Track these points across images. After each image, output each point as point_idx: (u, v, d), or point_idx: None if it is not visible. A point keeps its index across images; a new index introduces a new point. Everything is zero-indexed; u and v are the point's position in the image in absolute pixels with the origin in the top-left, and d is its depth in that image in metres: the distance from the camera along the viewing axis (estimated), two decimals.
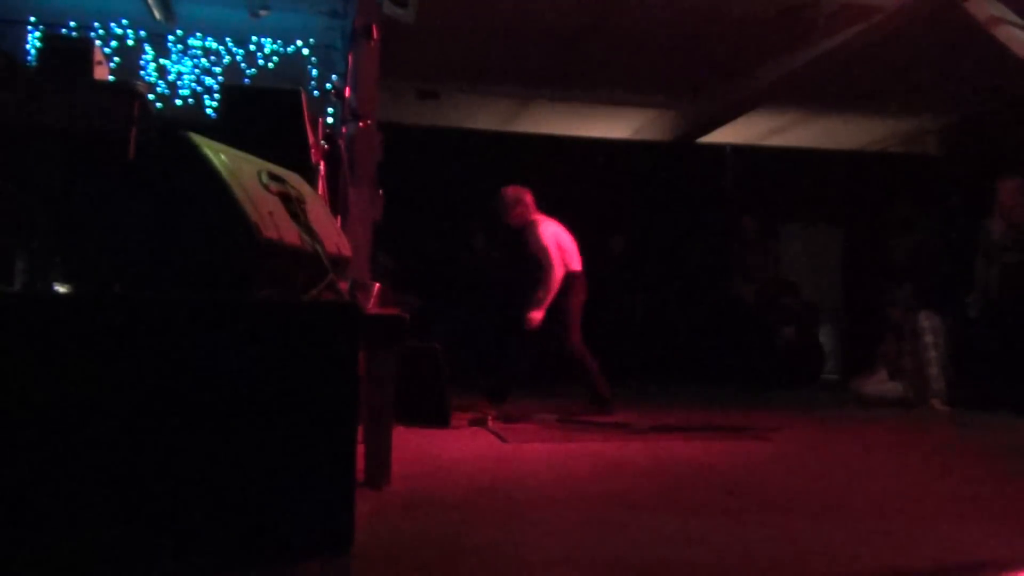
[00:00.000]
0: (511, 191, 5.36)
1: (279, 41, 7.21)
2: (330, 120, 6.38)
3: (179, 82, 7.11)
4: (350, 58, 4.54)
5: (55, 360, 1.84)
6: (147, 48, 7.09)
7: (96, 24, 6.94)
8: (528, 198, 5.32)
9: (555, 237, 5.21)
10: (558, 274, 4.95)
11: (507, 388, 5.36)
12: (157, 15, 6.81)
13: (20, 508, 1.80)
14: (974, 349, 6.26)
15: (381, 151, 5.70)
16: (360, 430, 2.36)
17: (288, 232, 2.20)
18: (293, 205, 2.30)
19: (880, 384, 6.65)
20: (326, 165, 3.78)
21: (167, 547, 1.86)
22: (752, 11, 6.75)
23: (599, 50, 7.63)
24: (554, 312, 5.09)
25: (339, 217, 3.93)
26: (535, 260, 5.05)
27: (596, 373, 5.17)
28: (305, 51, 7.25)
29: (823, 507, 2.74)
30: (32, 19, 6.79)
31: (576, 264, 5.33)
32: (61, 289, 2.34)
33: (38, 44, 6.47)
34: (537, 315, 4.95)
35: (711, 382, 8.10)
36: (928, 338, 6.33)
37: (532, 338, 5.08)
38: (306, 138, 3.45)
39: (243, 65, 7.19)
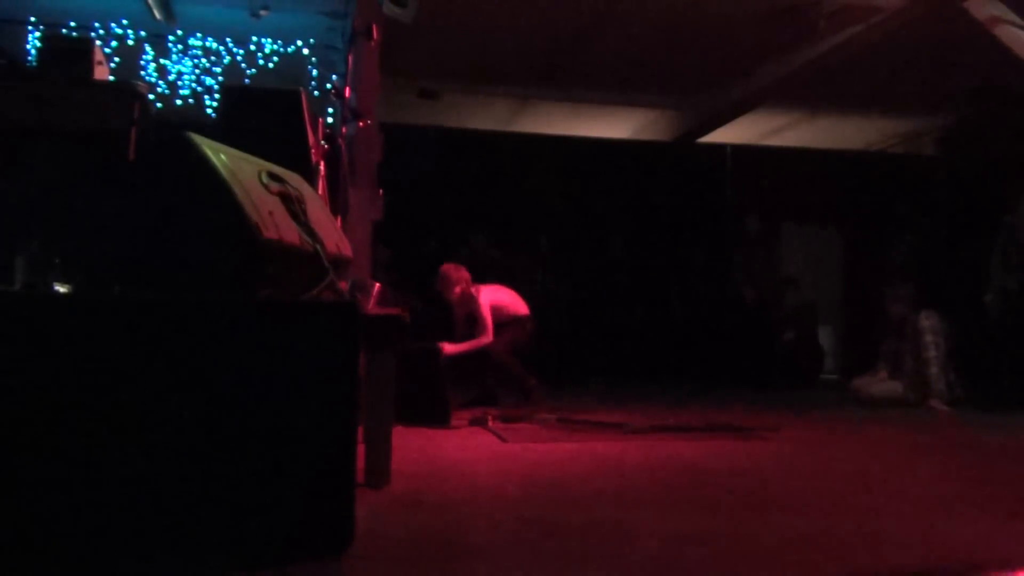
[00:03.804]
0: (453, 269, 5.75)
1: (279, 41, 7.21)
2: (330, 120, 6.38)
3: (179, 82, 7.11)
4: (350, 58, 4.53)
5: (55, 360, 1.84)
6: (147, 48, 7.09)
7: (96, 24, 6.94)
8: (466, 275, 5.77)
9: (495, 301, 5.70)
10: (488, 340, 5.48)
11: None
12: (157, 15, 6.82)
13: (21, 508, 1.80)
14: (993, 349, 6.21)
15: (381, 151, 5.70)
16: (360, 430, 2.36)
17: (288, 232, 2.20)
18: (293, 205, 2.30)
19: (880, 384, 6.65)
20: (326, 165, 3.78)
21: (166, 547, 1.86)
22: (752, 11, 6.75)
23: (599, 50, 7.64)
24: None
25: (339, 217, 3.93)
26: (475, 321, 5.59)
27: (521, 375, 5.64)
28: (305, 51, 7.25)
29: (823, 507, 2.74)
30: (32, 19, 6.79)
31: (523, 309, 5.85)
32: (61, 289, 2.34)
33: (38, 44, 6.47)
34: (451, 349, 5.32)
35: (711, 382, 8.09)
36: (928, 338, 6.32)
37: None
38: (306, 138, 3.44)
39: (243, 65, 7.20)
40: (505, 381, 5.65)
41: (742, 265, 9.27)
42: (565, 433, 4.38)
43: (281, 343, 1.96)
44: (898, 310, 6.68)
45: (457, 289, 5.65)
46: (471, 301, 5.59)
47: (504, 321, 5.64)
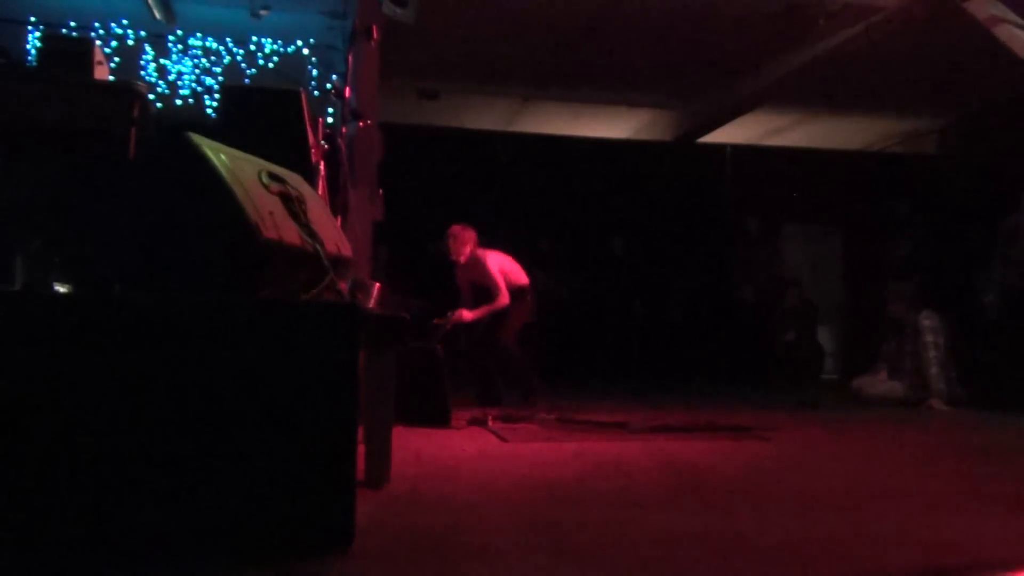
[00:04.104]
0: (462, 229, 5.70)
1: (279, 41, 7.21)
2: (330, 120, 6.38)
3: (179, 82, 7.11)
4: (350, 58, 4.53)
5: (55, 360, 1.84)
6: (147, 48, 7.09)
7: (96, 24, 6.94)
8: (474, 235, 5.74)
9: (500, 267, 5.65)
10: (504, 301, 5.46)
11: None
12: (157, 15, 6.82)
13: (21, 507, 1.80)
14: (993, 349, 6.22)
15: (382, 151, 5.71)
16: (360, 430, 2.36)
17: (288, 232, 2.20)
18: (293, 205, 2.30)
19: (880, 384, 6.65)
20: (326, 165, 3.78)
21: (166, 547, 1.86)
22: (752, 11, 6.75)
23: (599, 50, 7.64)
24: (498, 317, 5.56)
25: (339, 217, 3.93)
26: (486, 288, 5.56)
27: (526, 371, 5.60)
28: (305, 51, 7.25)
29: (823, 506, 2.74)
30: (32, 19, 6.79)
31: (524, 279, 5.81)
32: (61, 289, 2.34)
33: (38, 44, 6.47)
34: (469, 315, 5.37)
35: (711, 382, 8.09)
36: (928, 338, 6.33)
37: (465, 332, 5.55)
38: (306, 138, 3.45)
39: (243, 65, 7.20)
40: (509, 377, 5.61)
41: (742, 265, 9.28)
42: (565, 433, 4.39)
43: (281, 343, 1.97)
44: (898, 310, 6.69)
45: (467, 249, 5.56)
46: (479, 264, 5.50)
47: (508, 290, 5.58)
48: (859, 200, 9.99)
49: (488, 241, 8.81)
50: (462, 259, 5.58)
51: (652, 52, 7.66)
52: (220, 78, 7.12)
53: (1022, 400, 5.68)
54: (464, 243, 5.56)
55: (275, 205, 2.22)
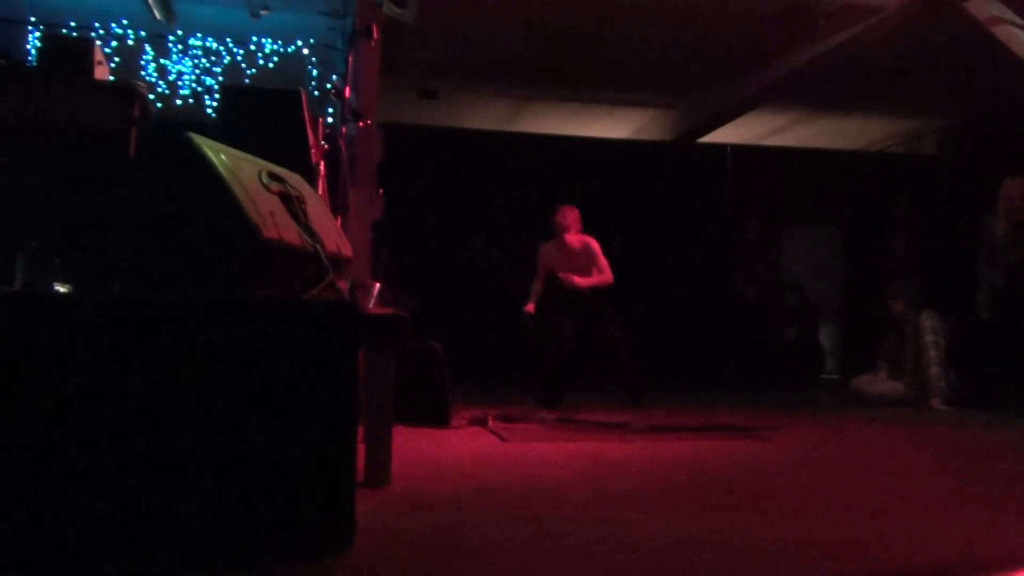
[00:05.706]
0: (572, 209, 5.79)
1: (279, 41, 7.22)
2: (330, 120, 6.38)
3: (179, 82, 7.11)
4: (350, 58, 4.53)
5: (55, 360, 1.84)
6: (147, 48, 7.10)
7: (96, 24, 6.95)
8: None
9: None
10: (610, 278, 5.58)
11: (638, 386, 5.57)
12: (157, 15, 6.82)
13: (22, 507, 1.80)
14: (984, 349, 6.22)
15: (382, 151, 5.70)
16: (360, 430, 2.36)
17: (288, 232, 2.20)
18: (293, 205, 2.31)
19: (880, 384, 6.65)
20: (326, 165, 3.78)
21: (166, 546, 1.86)
22: (752, 11, 6.75)
23: (599, 50, 7.64)
24: (604, 310, 5.56)
25: (339, 217, 3.93)
26: (588, 269, 5.62)
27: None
28: (305, 51, 7.25)
29: (823, 507, 2.74)
30: (32, 19, 6.80)
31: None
32: (61, 289, 2.34)
33: (38, 44, 6.47)
34: (581, 281, 5.46)
35: (711, 382, 8.09)
36: (929, 337, 6.32)
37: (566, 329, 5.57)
38: (306, 138, 3.45)
39: (243, 65, 7.20)
40: (625, 377, 5.55)
41: (742, 265, 9.27)
42: (565, 433, 4.39)
43: (281, 343, 1.97)
44: (899, 309, 6.69)
45: (578, 227, 5.69)
46: (588, 244, 5.64)
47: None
48: (859, 200, 9.98)
49: (488, 241, 8.84)
50: (569, 234, 5.65)
51: (652, 52, 7.65)
52: (220, 78, 7.12)
53: (1020, 400, 5.68)
54: (576, 221, 5.68)
55: (275, 205, 2.22)
